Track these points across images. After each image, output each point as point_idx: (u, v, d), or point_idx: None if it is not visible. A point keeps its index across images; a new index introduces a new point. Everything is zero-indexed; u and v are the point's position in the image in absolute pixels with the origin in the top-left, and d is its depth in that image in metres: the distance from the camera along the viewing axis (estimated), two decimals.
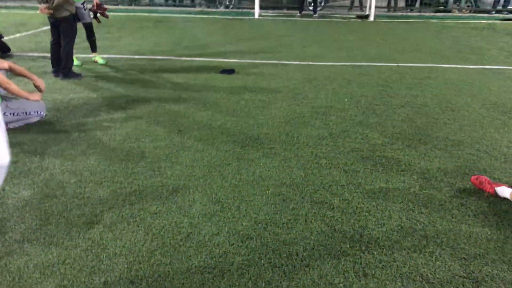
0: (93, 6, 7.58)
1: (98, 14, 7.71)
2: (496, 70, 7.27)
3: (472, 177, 3.45)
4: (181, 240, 2.79)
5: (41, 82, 4.78)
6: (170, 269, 2.53)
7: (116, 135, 4.42)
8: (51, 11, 6.25)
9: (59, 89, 5.99)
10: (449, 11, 15.94)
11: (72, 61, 6.68)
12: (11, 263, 2.58)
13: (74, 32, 6.56)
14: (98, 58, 7.53)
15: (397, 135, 4.51)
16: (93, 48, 7.51)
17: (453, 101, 5.62)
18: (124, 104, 5.41)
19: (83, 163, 3.81)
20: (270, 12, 15.62)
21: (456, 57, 8.28)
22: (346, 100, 5.67)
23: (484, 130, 4.66)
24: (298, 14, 14.51)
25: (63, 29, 6.45)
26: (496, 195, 3.25)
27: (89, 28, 7.36)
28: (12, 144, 4.14)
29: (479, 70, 7.26)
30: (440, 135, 4.51)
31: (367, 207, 3.17)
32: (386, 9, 16.50)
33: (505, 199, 3.21)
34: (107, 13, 7.90)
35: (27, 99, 4.62)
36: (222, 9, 16.53)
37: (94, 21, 7.57)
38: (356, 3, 16.72)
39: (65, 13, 6.32)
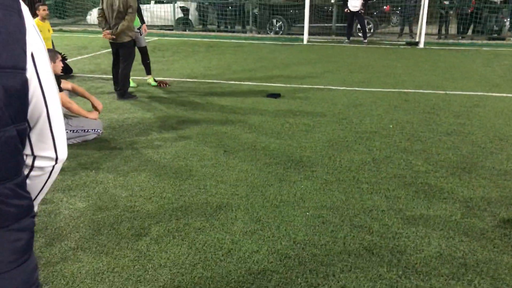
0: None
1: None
2: None
3: None
4: (222, 255, 2.93)
5: (98, 103, 5.16)
6: (210, 283, 2.66)
7: (166, 154, 4.66)
8: (114, 37, 6.70)
9: (115, 108, 6.37)
10: (503, 39, 15.55)
11: (129, 83, 7.09)
12: (66, 268, 2.80)
13: (132, 56, 6.97)
14: (151, 80, 7.92)
15: (441, 162, 4.49)
16: (148, 71, 7.92)
17: (501, 131, 5.52)
18: (175, 124, 5.69)
19: (134, 178, 4.06)
20: (319, 38, 15.82)
21: (507, 86, 8.10)
22: (391, 126, 5.70)
23: None
24: (347, 41, 14.60)
25: (122, 53, 6.89)
26: None
27: (144, 52, 7.78)
28: (71, 158, 4.47)
29: None
30: (485, 164, 4.45)
31: (407, 233, 3.19)
32: (436, 36, 16.31)
33: None
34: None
35: (86, 117, 4.98)
36: (272, 34, 16.89)
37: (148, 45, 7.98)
38: (406, 30, 16.65)
39: (126, 39, 6.75)
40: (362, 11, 14.42)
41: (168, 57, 10.96)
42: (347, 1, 14.26)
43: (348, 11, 14.35)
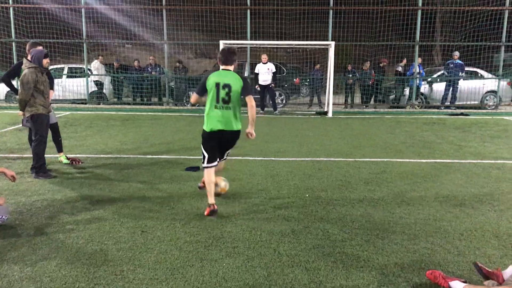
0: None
1: None
2: (447, 164, 7.74)
3: (427, 271, 3.59)
4: None
5: (10, 173, 4.89)
6: None
7: (79, 238, 4.41)
8: (20, 112, 6.56)
9: (23, 190, 5.98)
10: (403, 107, 17.06)
11: (41, 159, 6.71)
12: None
13: (40, 131, 6.67)
14: (63, 158, 7.60)
15: (356, 230, 4.67)
16: (59, 148, 7.61)
17: (408, 195, 5.91)
18: (88, 205, 5.43)
19: (43, 268, 3.76)
20: None
21: (409, 151, 8.80)
22: (307, 195, 5.88)
23: (438, 223, 4.90)
24: (261, 112, 15.19)
25: (31, 128, 6.65)
26: None
27: (55, 129, 7.50)
28: None
29: (431, 164, 7.71)
30: (396, 229, 4.70)
31: None
32: (343, 106, 17.53)
33: None
34: None
35: None
36: (189, 106, 17.14)
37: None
38: (315, 100, 17.73)
39: (26, 114, 6.59)
40: (273, 85, 15.25)
41: (81, 132, 10.65)
42: (257, 77, 15.05)
43: (259, 87, 15.12)
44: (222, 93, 5.12)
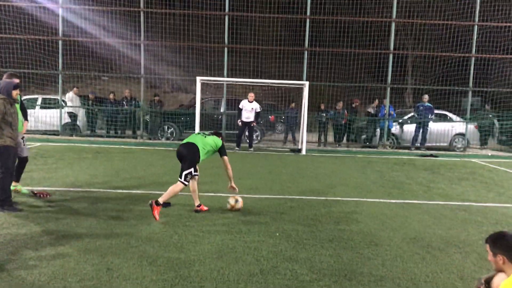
0: None
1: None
2: (416, 205, 7.89)
3: None
4: None
5: None
6: None
7: (41, 275, 4.28)
8: None
9: None
10: (374, 147, 17.40)
11: (6, 193, 6.54)
12: None
13: (7, 164, 6.51)
14: (20, 187, 7.46)
15: (324, 271, 4.68)
16: (17, 178, 7.44)
17: (377, 235, 5.98)
18: (54, 240, 5.30)
19: None
20: None
21: (379, 191, 8.94)
22: (277, 234, 5.88)
23: (405, 264, 4.95)
24: (237, 148, 15.23)
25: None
26: None
27: (23, 162, 7.37)
28: None
29: (400, 205, 7.84)
30: (364, 270, 4.73)
31: None
32: (317, 144, 17.78)
33: None
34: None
35: None
36: (163, 140, 17.10)
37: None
38: (290, 137, 17.95)
39: None
40: (254, 124, 15.42)
41: (51, 164, 10.46)
42: (241, 113, 15.20)
43: (241, 123, 15.27)
44: None
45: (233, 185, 7.13)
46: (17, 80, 7.16)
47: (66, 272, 4.38)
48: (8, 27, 17.20)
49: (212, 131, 7.31)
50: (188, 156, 6.62)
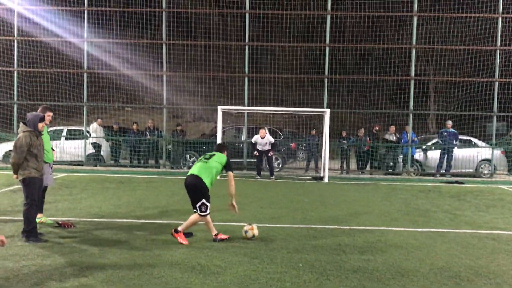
0: None
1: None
2: (442, 233, 7.69)
3: None
4: None
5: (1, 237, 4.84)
6: None
7: None
8: (15, 176, 6.67)
9: (12, 255, 5.87)
10: (398, 174, 17.15)
11: (32, 223, 6.64)
12: None
13: (31, 196, 6.63)
14: (45, 218, 7.60)
15: None
16: (41, 209, 7.57)
17: (402, 266, 5.83)
18: (78, 271, 5.32)
19: None
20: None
21: (404, 220, 8.76)
22: (300, 265, 5.79)
23: None
24: (258, 177, 15.21)
25: (24, 191, 6.64)
26: None
27: (44, 191, 7.54)
28: None
29: (426, 233, 7.66)
30: None
31: None
32: (339, 171, 17.62)
33: None
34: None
35: None
36: (185, 169, 17.20)
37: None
38: (312, 165, 17.86)
39: (20, 177, 6.62)
40: (271, 154, 15.40)
41: (75, 195, 10.61)
42: (256, 146, 15.24)
43: (257, 153, 15.28)
44: None
45: (234, 203, 7.11)
46: (50, 113, 7.65)
47: None
48: (35, 61, 17.82)
49: (215, 148, 7.35)
50: (197, 191, 6.72)
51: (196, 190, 6.71)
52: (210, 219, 6.87)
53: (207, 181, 6.72)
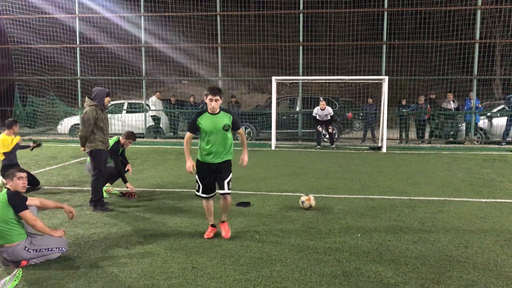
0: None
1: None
2: (509, 204, 7.35)
3: None
4: None
5: (69, 209, 5.12)
6: None
7: (132, 272, 4.52)
8: (82, 148, 7.03)
9: (82, 223, 6.24)
10: (461, 143, 16.45)
11: (99, 193, 7.01)
12: None
13: (99, 167, 6.97)
14: (112, 187, 7.99)
15: (410, 273, 4.50)
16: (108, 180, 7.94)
17: (465, 237, 5.64)
18: (142, 239, 5.58)
19: None
20: (286, 144, 16.37)
21: (468, 190, 8.43)
22: (359, 235, 5.75)
23: (499, 269, 4.63)
24: (318, 147, 15.17)
25: (92, 162, 6.99)
26: None
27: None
28: (32, 282, 4.27)
29: (492, 204, 7.34)
30: (453, 274, 4.48)
31: None
32: (398, 141, 17.14)
33: None
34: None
35: (51, 235, 4.86)
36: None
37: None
38: (369, 135, 17.48)
39: (87, 149, 6.94)
40: (331, 128, 15.26)
41: (137, 166, 11.03)
42: (316, 118, 15.15)
43: (317, 122, 15.19)
44: None
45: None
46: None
47: (154, 270, 4.59)
48: (95, 37, 18.45)
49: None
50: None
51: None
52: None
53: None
